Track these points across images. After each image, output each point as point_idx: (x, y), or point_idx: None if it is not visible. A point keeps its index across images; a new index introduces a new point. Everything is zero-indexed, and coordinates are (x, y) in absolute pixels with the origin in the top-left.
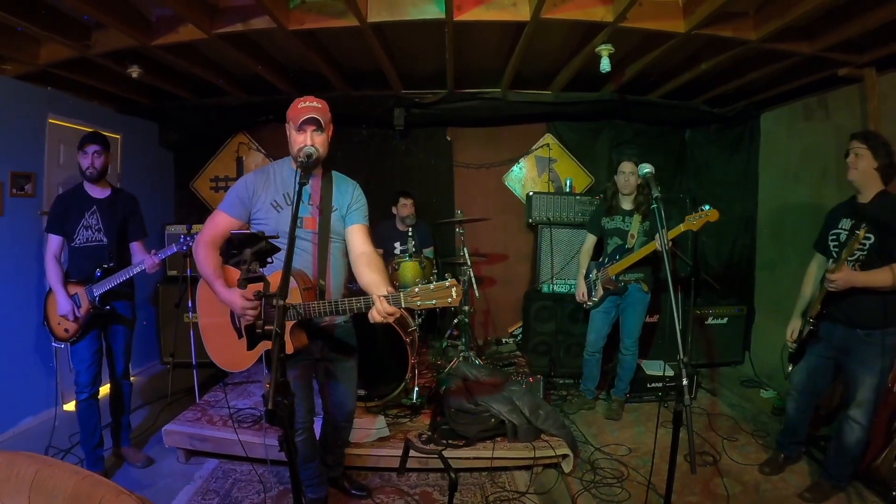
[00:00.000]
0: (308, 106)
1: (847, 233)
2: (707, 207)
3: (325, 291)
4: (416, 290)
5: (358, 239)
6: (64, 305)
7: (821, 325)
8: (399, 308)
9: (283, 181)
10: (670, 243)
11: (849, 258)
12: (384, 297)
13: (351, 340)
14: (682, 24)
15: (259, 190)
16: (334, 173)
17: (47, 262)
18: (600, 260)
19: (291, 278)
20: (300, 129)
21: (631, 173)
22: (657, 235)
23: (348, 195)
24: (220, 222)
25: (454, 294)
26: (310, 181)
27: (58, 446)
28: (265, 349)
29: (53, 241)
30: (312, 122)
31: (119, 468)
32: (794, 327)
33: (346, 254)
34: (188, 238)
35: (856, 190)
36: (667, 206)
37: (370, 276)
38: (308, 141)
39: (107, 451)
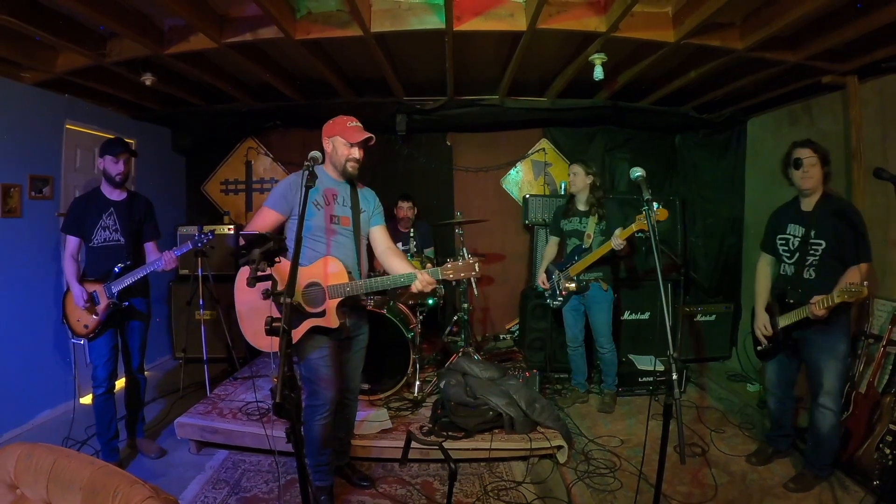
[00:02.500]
0: (358, 127)
1: (799, 239)
2: (657, 206)
3: (356, 276)
4: (449, 265)
5: (382, 237)
6: (78, 296)
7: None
8: (437, 280)
9: (322, 184)
10: (625, 244)
11: (804, 262)
12: (425, 271)
13: (367, 323)
14: (671, 34)
15: (302, 189)
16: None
17: (65, 262)
18: (562, 262)
19: (340, 264)
20: (353, 146)
21: (575, 174)
22: (615, 234)
23: (371, 201)
24: (268, 217)
25: (476, 269)
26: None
27: (75, 438)
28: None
29: (71, 242)
30: (366, 142)
31: (133, 459)
32: (763, 321)
33: (366, 248)
34: (202, 236)
35: (804, 196)
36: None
37: (402, 263)
38: (357, 155)
39: (122, 442)
